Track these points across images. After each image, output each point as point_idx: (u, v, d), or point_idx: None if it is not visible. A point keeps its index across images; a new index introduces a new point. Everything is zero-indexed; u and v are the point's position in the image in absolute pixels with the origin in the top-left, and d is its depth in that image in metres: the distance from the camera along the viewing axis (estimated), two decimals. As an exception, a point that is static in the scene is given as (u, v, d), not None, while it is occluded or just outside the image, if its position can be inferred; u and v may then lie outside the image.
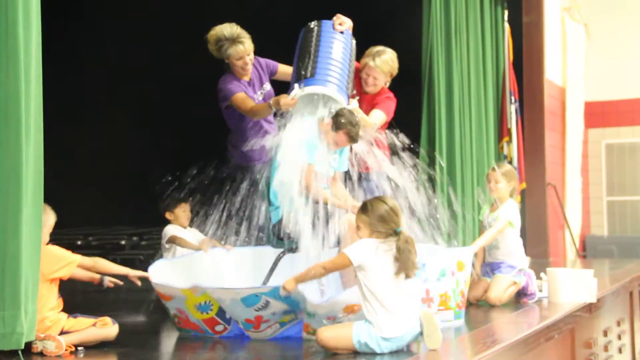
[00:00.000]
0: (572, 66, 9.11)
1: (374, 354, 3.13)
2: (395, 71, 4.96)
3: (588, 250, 9.66)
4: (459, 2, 6.78)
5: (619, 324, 5.93)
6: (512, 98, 7.54)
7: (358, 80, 4.86)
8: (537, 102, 7.74)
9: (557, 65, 8.49)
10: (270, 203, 4.14)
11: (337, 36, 4.31)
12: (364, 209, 3.25)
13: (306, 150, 4.01)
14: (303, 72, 4.16)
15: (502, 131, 7.53)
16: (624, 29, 11.46)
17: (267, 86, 4.74)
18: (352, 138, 4.04)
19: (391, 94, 4.97)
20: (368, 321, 3.15)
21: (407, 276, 3.18)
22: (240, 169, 4.66)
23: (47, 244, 3.38)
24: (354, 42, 4.46)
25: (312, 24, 4.38)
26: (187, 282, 3.76)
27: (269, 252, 4.25)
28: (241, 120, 4.59)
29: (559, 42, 8.76)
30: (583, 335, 4.87)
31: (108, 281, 3.66)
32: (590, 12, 10.03)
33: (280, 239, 4.11)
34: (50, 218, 3.44)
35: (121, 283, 3.70)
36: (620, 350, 5.93)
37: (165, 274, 3.95)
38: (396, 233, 3.18)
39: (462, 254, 4.16)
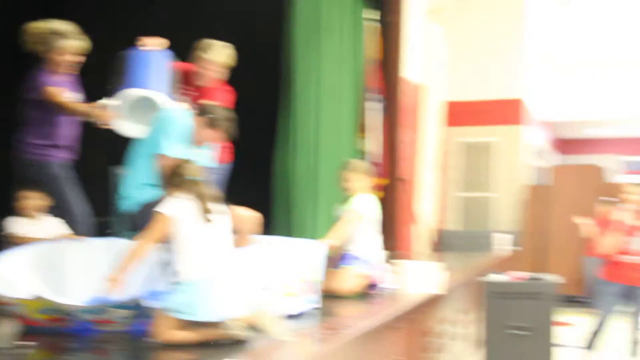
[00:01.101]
0: (432, 66, 9.41)
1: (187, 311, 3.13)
2: (229, 62, 5.03)
3: (442, 244, 10.04)
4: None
5: (464, 313, 6.21)
6: (375, 95, 7.69)
7: (189, 80, 5.03)
8: (393, 100, 7.94)
9: (416, 65, 8.74)
10: (119, 193, 4.07)
11: (143, 55, 4.65)
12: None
13: (177, 143, 3.97)
14: (113, 87, 4.49)
15: (363, 127, 7.68)
16: (483, 33, 12.02)
17: (79, 95, 4.82)
18: (229, 134, 4.06)
19: (230, 88, 5.03)
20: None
21: (207, 220, 3.27)
22: (40, 165, 4.63)
23: None
24: (164, 57, 4.76)
25: (121, 53, 4.67)
26: (31, 278, 3.63)
27: (123, 243, 4.15)
28: (48, 114, 4.61)
29: (419, 42, 9.02)
30: (429, 325, 5.07)
31: None
32: (452, 14, 10.42)
33: (131, 230, 4.04)
34: None
35: None
36: (465, 339, 6.21)
37: (6, 274, 3.77)
38: (189, 182, 3.32)
39: (290, 245, 4.26)
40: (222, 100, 4.80)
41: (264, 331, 3.17)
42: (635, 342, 6.46)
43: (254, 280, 3.64)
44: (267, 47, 6.87)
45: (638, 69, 13.73)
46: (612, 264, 6.48)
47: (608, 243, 6.46)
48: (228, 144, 4.95)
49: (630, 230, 6.36)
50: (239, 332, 3.12)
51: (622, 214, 6.48)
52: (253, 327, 3.15)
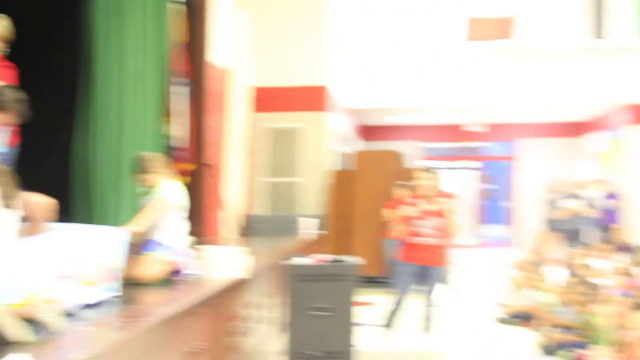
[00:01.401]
0: (239, 51, 9.41)
1: None
2: (4, 34, 4.72)
3: (249, 229, 10.10)
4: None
5: (269, 297, 6.29)
6: (181, 79, 7.58)
7: None
8: (199, 84, 7.87)
9: (223, 49, 8.70)
10: None
11: None
12: None
13: None
14: None
15: (168, 111, 7.55)
16: (288, 20, 12.19)
17: None
18: (20, 116, 3.82)
19: (9, 63, 4.76)
20: None
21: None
22: None
23: None
24: None
25: None
26: None
27: None
28: None
29: (226, 26, 8.97)
30: (234, 310, 5.09)
31: None
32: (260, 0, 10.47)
33: None
34: None
35: None
36: (270, 322, 6.30)
37: None
38: None
39: (88, 233, 4.15)
40: (1, 77, 4.51)
41: (41, 321, 3.03)
42: (428, 319, 6.84)
43: (45, 268, 3.47)
44: (65, 26, 6.57)
45: (435, 59, 14.51)
46: (406, 246, 6.83)
47: (400, 227, 6.83)
48: (16, 126, 4.68)
49: (422, 214, 6.73)
50: (13, 322, 2.95)
51: (414, 199, 6.84)
52: (30, 317, 3.00)
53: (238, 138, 9.29)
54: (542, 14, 14.03)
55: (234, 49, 9.08)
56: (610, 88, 14.18)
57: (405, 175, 9.86)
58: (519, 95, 14.51)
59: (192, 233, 5.36)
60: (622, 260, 9.99)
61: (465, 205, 18.16)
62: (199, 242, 5.73)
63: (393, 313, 6.97)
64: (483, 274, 13.59)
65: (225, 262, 5.00)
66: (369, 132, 18.32)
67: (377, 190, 11.33)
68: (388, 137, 18.39)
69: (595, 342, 6.62)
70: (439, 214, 6.69)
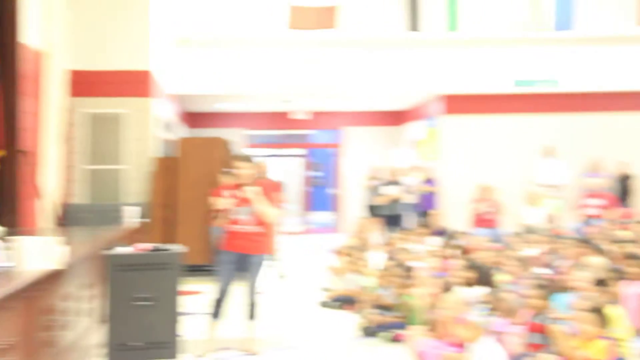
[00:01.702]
0: (54, 32, 8.99)
1: None
2: None
3: (68, 218, 9.71)
4: None
5: (89, 288, 6.07)
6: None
7: None
8: (10, 66, 7.45)
9: (36, 30, 8.28)
10: None
11: None
12: None
13: None
14: None
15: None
16: (109, 2, 11.78)
17: None
18: None
19: None
20: None
21: None
22: None
23: None
24: None
25: None
26: None
27: None
28: None
29: (39, 6, 8.55)
30: (49, 302, 4.87)
31: None
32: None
33: None
34: None
35: None
36: (90, 314, 6.09)
37: None
38: None
39: None
40: None
41: None
42: (252, 305, 6.87)
43: None
44: None
45: (260, 47, 14.57)
46: (227, 234, 6.83)
47: (222, 215, 6.82)
48: None
49: (239, 202, 6.74)
50: None
51: (233, 187, 6.84)
52: None
53: (54, 124, 8.88)
54: (362, 5, 14.45)
55: (49, 30, 8.66)
56: (426, 79, 14.88)
57: (231, 162, 9.82)
58: (342, 84, 14.89)
59: (6, 223, 5.07)
60: (436, 243, 10.51)
61: (291, 193, 18.40)
62: (13, 233, 5.43)
63: (218, 301, 6.94)
64: (308, 259, 13.85)
65: (38, 252, 4.76)
66: (194, 119, 18.12)
67: (201, 178, 11.22)
68: (214, 125, 18.28)
69: (412, 322, 6.92)
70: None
